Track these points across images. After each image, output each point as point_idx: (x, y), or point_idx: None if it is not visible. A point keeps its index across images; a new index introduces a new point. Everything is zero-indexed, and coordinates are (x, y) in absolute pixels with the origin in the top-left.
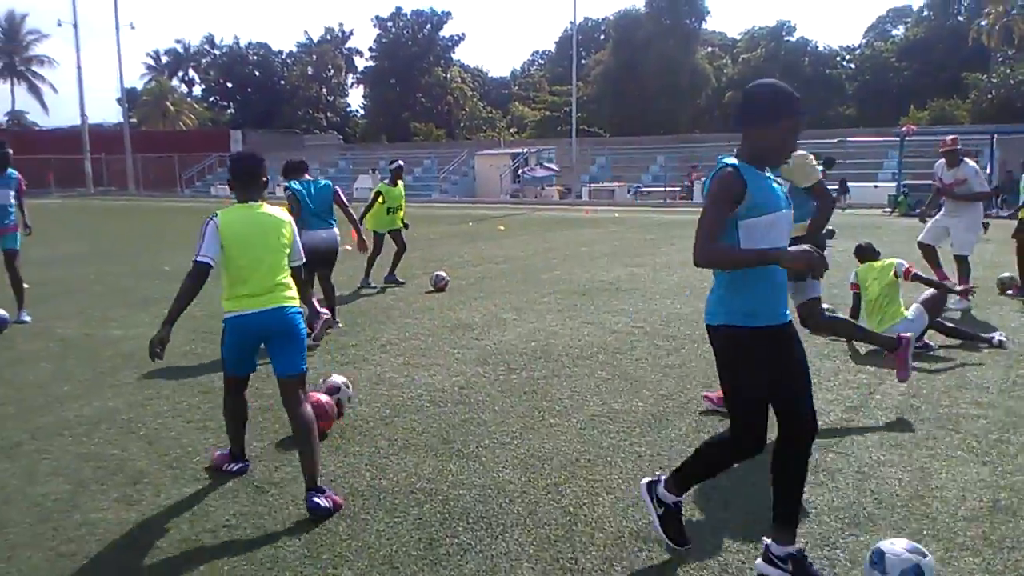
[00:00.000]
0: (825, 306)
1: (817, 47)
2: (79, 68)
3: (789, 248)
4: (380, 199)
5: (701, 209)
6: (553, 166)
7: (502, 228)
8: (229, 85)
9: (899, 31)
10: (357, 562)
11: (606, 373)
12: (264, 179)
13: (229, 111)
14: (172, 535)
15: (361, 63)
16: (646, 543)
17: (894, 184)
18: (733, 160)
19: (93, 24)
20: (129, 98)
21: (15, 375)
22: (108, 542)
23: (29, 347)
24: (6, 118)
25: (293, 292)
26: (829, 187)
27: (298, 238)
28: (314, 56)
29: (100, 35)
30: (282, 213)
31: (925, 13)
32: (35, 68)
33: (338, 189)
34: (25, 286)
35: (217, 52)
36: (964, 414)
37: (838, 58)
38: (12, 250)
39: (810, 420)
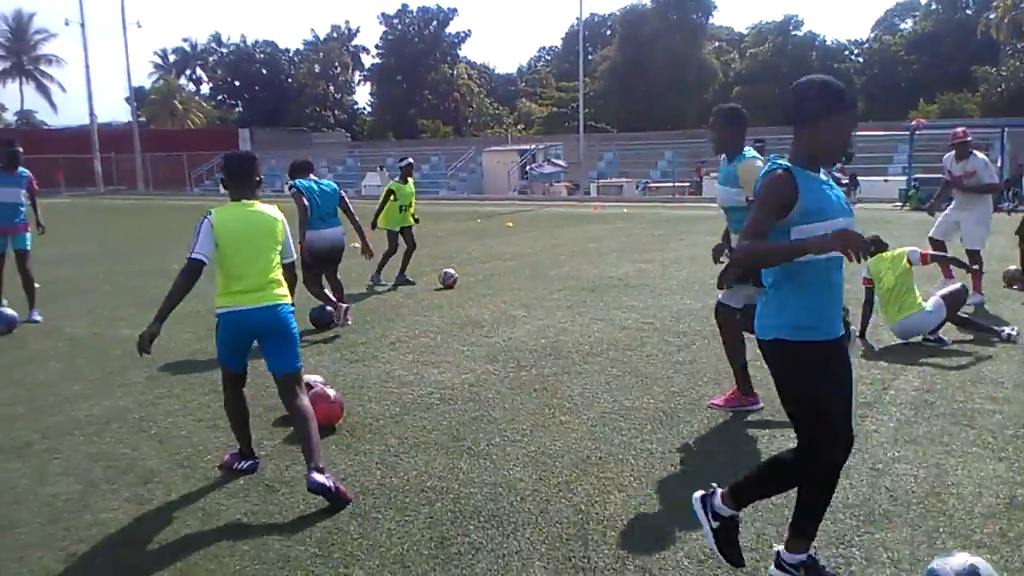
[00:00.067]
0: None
1: (825, 41)
2: (87, 67)
3: (824, 235)
4: (392, 197)
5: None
6: (561, 162)
7: (510, 225)
8: (237, 83)
9: (907, 25)
10: (368, 561)
11: (616, 370)
12: (258, 178)
13: (237, 109)
14: (183, 534)
15: (368, 60)
16: (659, 540)
17: (904, 178)
18: (785, 161)
19: (100, 23)
20: (137, 97)
21: (25, 374)
22: (119, 542)
23: (39, 346)
24: (15, 117)
25: (285, 290)
26: (842, 182)
27: (290, 236)
28: (321, 54)
29: (108, 34)
30: (275, 211)
31: (933, 7)
32: (43, 67)
33: (343, 193)
34: (36, 285)
35: (224, 50)
36: (979, 409)
37: (846, 52)
38: (23, 250)
39: (850, 439)
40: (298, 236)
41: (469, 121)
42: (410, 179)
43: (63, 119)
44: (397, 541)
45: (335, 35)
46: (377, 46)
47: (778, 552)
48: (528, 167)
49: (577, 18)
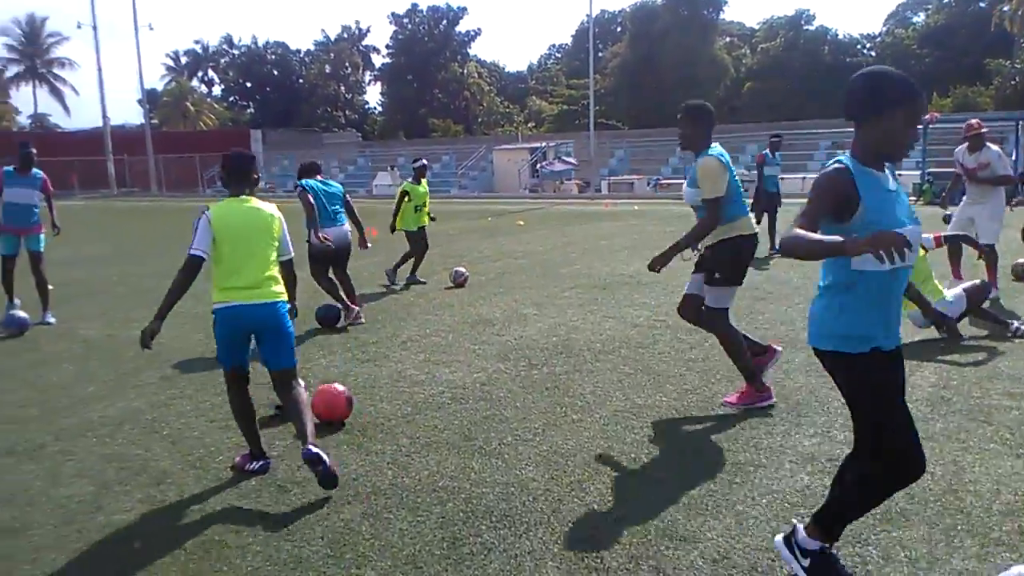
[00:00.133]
0: None
1: (837, 35)
2: (99, 70)
3: (856, 237)
4: (407, 198)
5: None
6: (571, 160)
7: (521, 223)
8: (248, 85)
9: (920, 18)
10: (380, 562)
11: (628, 368)
12: (255, 176)
13: (249, 111)
14: (195, 536)
15: (378, 60)
16: (673, 540)
17: (918, 172)
18: (846, 158)
19: (112, 26)
20: (150, 99)
21: (39, 376)
22: (131, 543)
23: (52, 348)
24: (29, 121)
25: (282, 287)
26: None
27: (287, 234)
28: (331, 54)
29: (120, 37)
30: (272, 209)
31: (946, 0)
32: (56, 70)
33: (347, 195)
34: (50, 287)
35: (235, 52)
36: (996, 405)
37: (858, 46)
38: (37, 252)
39: (921, 458)
40: (303, 235)
41: (479, 120)
42: (424, 180)
43: (76, 122)
44: (409, 541)
45: (345, 35)
46: (387, 46)
47: (795, 527)
48: (539, 165)
49: (587, 15)
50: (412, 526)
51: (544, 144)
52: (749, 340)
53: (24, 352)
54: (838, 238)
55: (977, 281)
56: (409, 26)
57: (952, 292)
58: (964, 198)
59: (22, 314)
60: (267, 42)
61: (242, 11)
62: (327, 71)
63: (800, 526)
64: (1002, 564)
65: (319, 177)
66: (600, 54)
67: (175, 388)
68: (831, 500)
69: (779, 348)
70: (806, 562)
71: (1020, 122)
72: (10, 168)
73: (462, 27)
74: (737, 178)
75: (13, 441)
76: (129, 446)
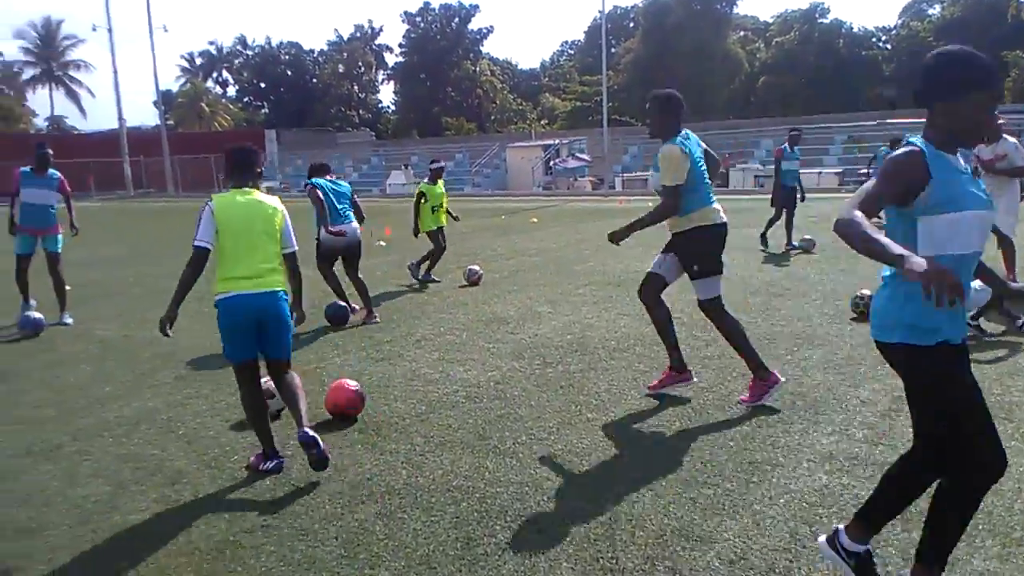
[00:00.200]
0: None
1: (852, 28)
2: (115, 72)
3: (917, 258)
4: (423, 199)
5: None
6: (585, 157)
7: (535, 220)
8: (262, 85)
9: (935, 10)
10: (394, 562)
11: (644, 365)
12: (259, 169)
13: (263, 111)
14: (210, 536)
15: (391, 59)
16: (689, 541)
17: None
18: (919, 141)
19: (127, 28)
20: (165, 100)
21: (55, 377)
22: (147, 543)
23: (69, 349)
24: (46, 123)
25: (283, 278)
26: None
27: (291, 227)
28: (345, 54)
29: (135, 39)
30: (275, 202)
31: None
32: (72, 73)
33: (355, 195)
34: (67, 288)
35: (250, 53)
36: (1018, 402)
37: (873, 39)
38: (54, 253)
39: (999, 460)
40: (312, 233)
41: (492, 117)
42: (440, 180)
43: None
44: (423, 542)
45: (358, 35)
46: (400, 44)
47: (837, 530)
48: (552, 162)
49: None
50: (426, 526)
51: (557, 141)
52: (676, 355)
53: (41, 353)
54: (898, 250)
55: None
56: (422, 25)
57: (977, 281)
58: None
59: (37, 315)
60: (281, 42)
61: (256, 12)
62: (340, 71)
63: (841, 528)
64: None
65: (328, 177)
66: (613, 50)
67: (191, 388)
68: (874, 498)
69: (693, 379)
70: (853, 563)
71: None
72: (27, 169)
73: (474, 25)
74: (703, 167)
75: (30, 441)
76: (145, 446)
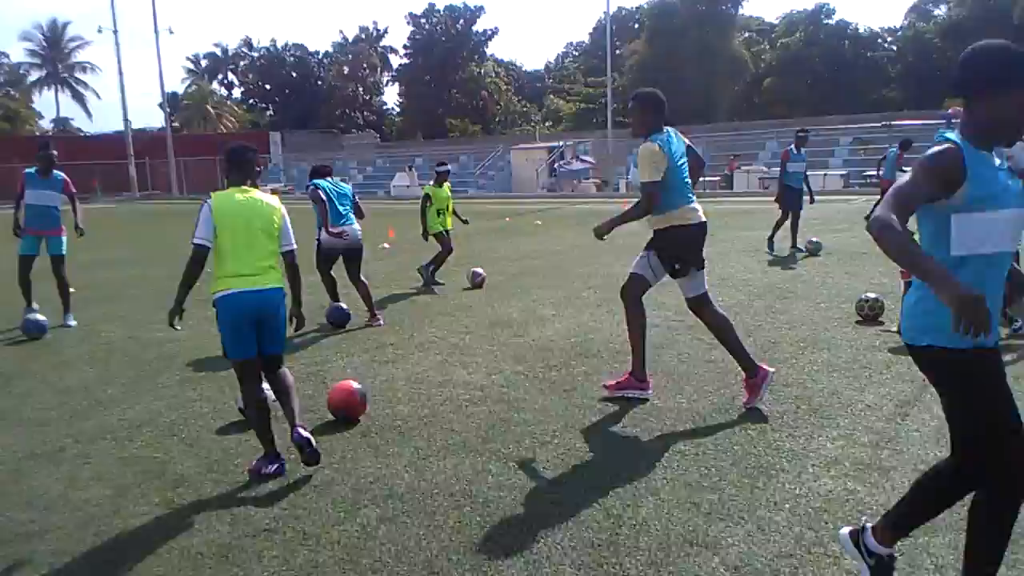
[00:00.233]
0: (872, 295)
1: (857, 29)
2: (120, 74)
3: (953, 281)
4: (428, 202)
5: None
6: (589, 159)
7: (539, 223)
8: (267, 87)
9: (941, 11)
10: (397, 567)
11: (647, 369)
12: (257, 168)
13: (268, 113)
14: (212, 540)
15: (396, 61)
16: (693, 547)
17: None
18: (955, 136)
19: (133, 30)
20: (171, 102)
21: (60, 379)
22: (148, 547)
23: (74, 351)
24: (52, 125)
25: (280, 275)
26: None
27: (289, 225)
28: (350, 55)
29: (140, 41)
30: (273, 200)
31: None
32: (78, 75)
33: (356, 197)
34: (71, 290)
35: (255, 55)
36: None
37: (879, 40)
38: (58, 255)
39: None
40: (313, 234)
41: (497, 119)
42: (446, 183)
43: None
44: (426, 547)
45: (363, 36)
46: (405, 46)
47: (864, 527)
48: (556, 164)
49: (604, 12)
50: (429, 531)
51: (562, 143)
52: (639, 362)
53: (45, 355)
54: (935, 268)
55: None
56: (426, 26)
57: None
58: None
59: (41, 317)
60: (286, 44)
61: (261, 14)
62: (345, 72)
63: (869, 526)
64: None
65: (330, 178)
66: (618, 52)
67: (194, 391)
68: (905, 502)
69: (650, 392)
70: (872, 562)
71: None
72: (32, 170)
73: (479, 26)
74: (682, 165)
75: (34, 444)
76: (147, 449)
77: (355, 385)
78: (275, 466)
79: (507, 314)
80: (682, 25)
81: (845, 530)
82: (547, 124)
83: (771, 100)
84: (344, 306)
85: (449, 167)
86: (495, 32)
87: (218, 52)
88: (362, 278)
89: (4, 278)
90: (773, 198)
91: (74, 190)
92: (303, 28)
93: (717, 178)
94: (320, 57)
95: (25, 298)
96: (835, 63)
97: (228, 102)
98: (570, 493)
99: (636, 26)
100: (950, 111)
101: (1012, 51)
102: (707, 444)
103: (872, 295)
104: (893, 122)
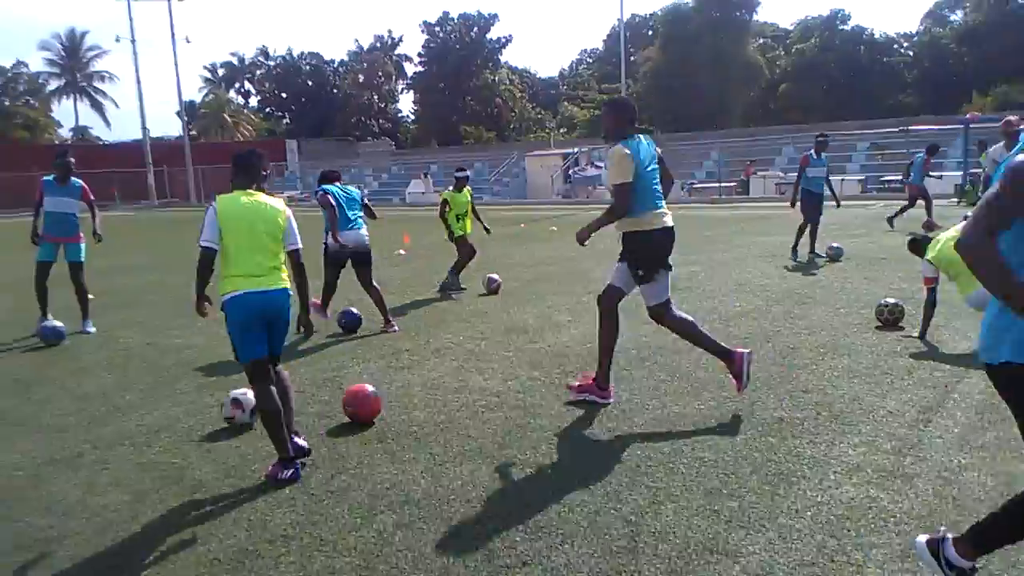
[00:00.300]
0: (891, 300)
1: (873, 35)
2: (139, 83)
3: None
4: (447, 207)
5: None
6: (604, 165)
7: (554, 229)
8: (284, 95)
9: (957, 16)
10: (413, 574)
11: (665, 375)
12: (264, 171)
13: (284, 121)
14: (229, 545)
15: (411, 69)
16: (713, 555)
17: (960, 173)
18: None
19: (151, 39)
20: (188, 111)
21: (78, 385)
22: (166, 553)
23: (92, 357)
24: (71, 134)
25: (286, 276)
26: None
27: (294, 225)
28: (365, 64)
29: (158, 50)
30: (278, 203)
31: None
32: (97, 84)
33: (365, 199)
34: (90, 297)
35: (271, 63)
36: None
37: (895, 46)
38: (77, 262)
39: None
40: (321, 239)
41: (511, 126)
42: (465, 188)
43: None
44: (442, 553)
45: (378, 45)
46: (420, 54)
47: (944, 538)
48: (571, 171)
49: (618, 19)
50: (446, 537)
51: (576, 149)
52: (605, 372)
53: (64, 361)
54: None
55: None
56: (441, 34)
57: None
58: None
59: (58, 323)
60: (302, 53)
61: (277, 23)
62: (361, 80)
63: (950, 537)
64: None
65: (338, 183)
66: (632, 58)
67: (212, 396)
68: (995, 517)
69: (611, 401)
70: (952, 574)
71: None
72: (50, 178)
73: (493, 34)
74: (651, 171)
75: (52, 450)
76: (165, 454)
77: (368, 388)
78: (291, 471)
79: (523, 320)
80: (696, 31)
81: (922, 538)
82: (561, 131)
83: (787, 106)
84: (355, 310)
85: (468, 172)
86: (509, 40)
87: (235, 61)
88: (374, 283)
89: (23, 285)
90: (788, 203)
91: (92, 197)
92: (319, 37)
93: (733, 183)
94: (336, 66)
95: (40, 307)
96: (851, 69)
97: (245, 110)
98: (588, 499)
99: (650, 33)
100: (968, 116)
101: None
102: (727, 450)
103: (892, 300)
104: (910, 127)
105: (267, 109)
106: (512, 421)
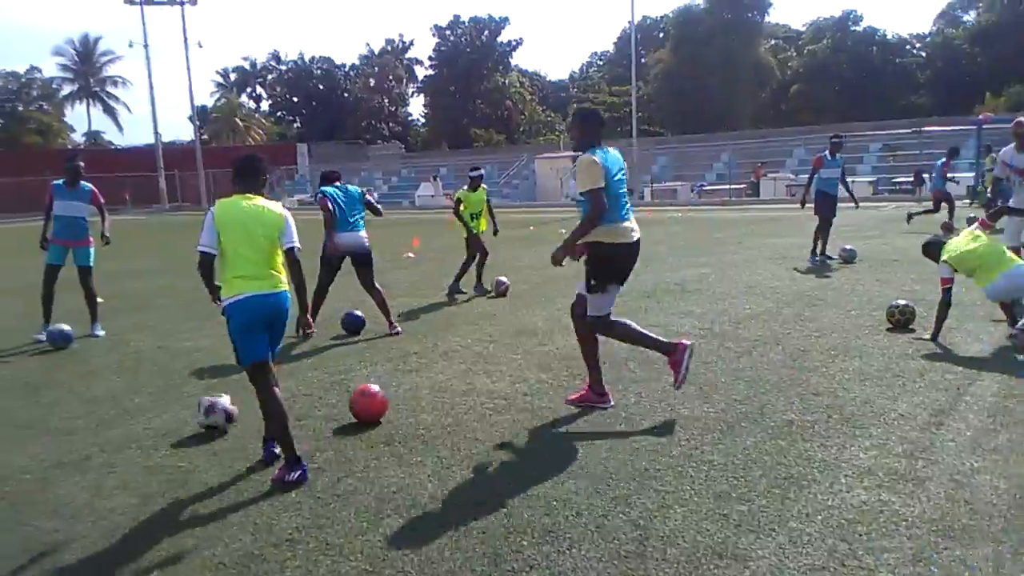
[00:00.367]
0: (903, 302)
1: (885, 36)
2: (151, 88)
3: None
4: (462, 206)
5: None
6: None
7: (563, 232)
8: (295, 99)
9: (970, 16)
10: None
11: (674, 378)
12: (264, 177)
13: (296, 125)
14: (235, 549)
15: (421, 72)
16: (723, 559)
17: (972, 175)
18: None
19: (164, 44)
20: (200, 115)
21: (87, 388)
22: (172, 557)
23: (101, 361)
24: (84, 138)
25: (285, 279)
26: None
27: (292, 227)
28: (375, 67)
29: (171, 55)
30: (278, 207)
31: None
32: (109, 89)
33: (368, 197)
34: (100, 300)
35: (283, 68)
36: None
37: (908, 47)
38: (86, 267)
39: None
40: (323, 238)
41: (521, 129)
42: (480, 187)
43: (129, 139)
44: (449, 557)
45: (389, 48)
46: (430, 57)
47: None
48: None
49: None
50: (453, 541)
51: None
52: (596, 376)
53: (73, 364)
54: None
55: None
56: (451, 38)
57: None
58: (1011, 201)
59: (65, 327)
60: (313, 57)
61: (289, 28)
62: (371, 84)
63: None
64: None
65: (338, 183)
66: (642, 60)
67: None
68: None
69: (610, 405)
70: None
71: None
72: (59, 182)
73: (504, 37)
74: (618, 180)
75: (60, 453)
76: (172, 458)
77: (373, 388)
78: (297, 473)
79: (531, 323)
80: (707, 33)
81: None
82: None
83: (798, 107)
84: (358, 312)
85: (482, 171)
86: (519, 43)
87: (246, 66)
88: (376, 286)
89: (33, 290)
90: (799, 204)
91: (103, 200)
92: (330, 41)
93: (743, 185)
94: (346, 69)
95: (44, 313)
96: (863, 70)
97: (256, 115)
98: (596, 503)
99: (661, 35)
100: (981, 117)
101: None
102: (736, 454)
103: (903, 302)
104: (922, 128)
105: (278, 113)
106: (520, 424)
